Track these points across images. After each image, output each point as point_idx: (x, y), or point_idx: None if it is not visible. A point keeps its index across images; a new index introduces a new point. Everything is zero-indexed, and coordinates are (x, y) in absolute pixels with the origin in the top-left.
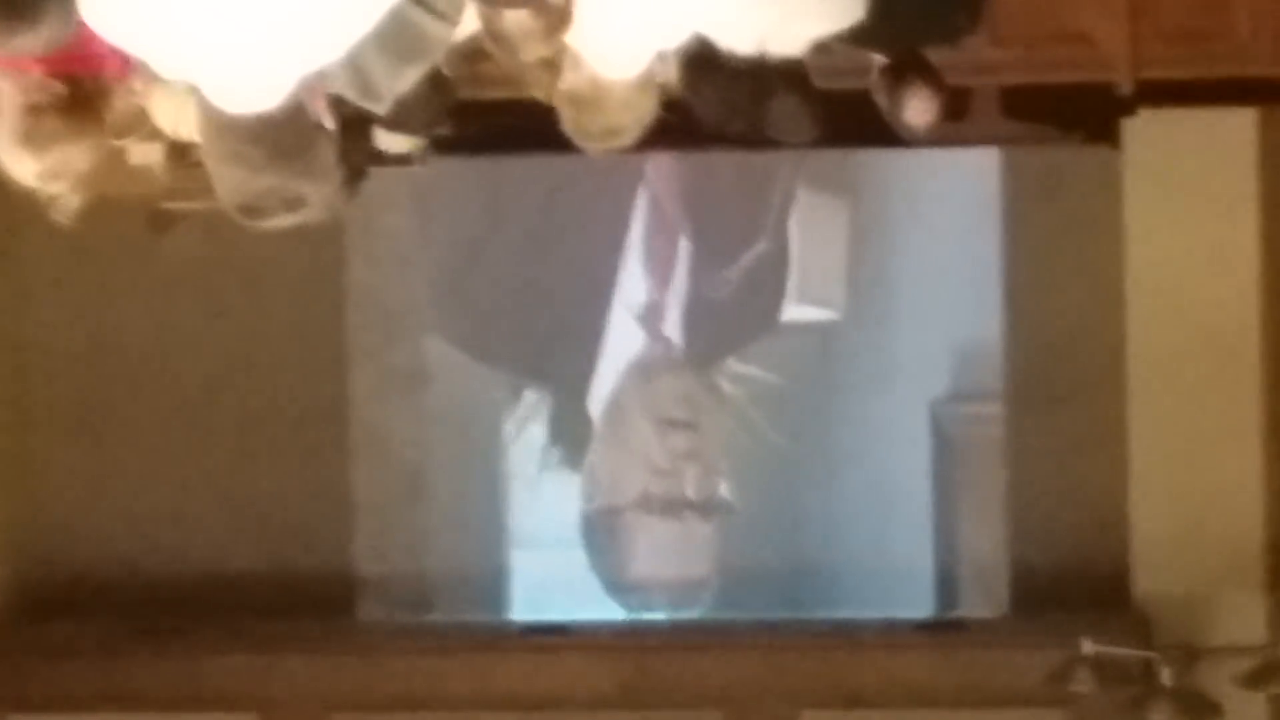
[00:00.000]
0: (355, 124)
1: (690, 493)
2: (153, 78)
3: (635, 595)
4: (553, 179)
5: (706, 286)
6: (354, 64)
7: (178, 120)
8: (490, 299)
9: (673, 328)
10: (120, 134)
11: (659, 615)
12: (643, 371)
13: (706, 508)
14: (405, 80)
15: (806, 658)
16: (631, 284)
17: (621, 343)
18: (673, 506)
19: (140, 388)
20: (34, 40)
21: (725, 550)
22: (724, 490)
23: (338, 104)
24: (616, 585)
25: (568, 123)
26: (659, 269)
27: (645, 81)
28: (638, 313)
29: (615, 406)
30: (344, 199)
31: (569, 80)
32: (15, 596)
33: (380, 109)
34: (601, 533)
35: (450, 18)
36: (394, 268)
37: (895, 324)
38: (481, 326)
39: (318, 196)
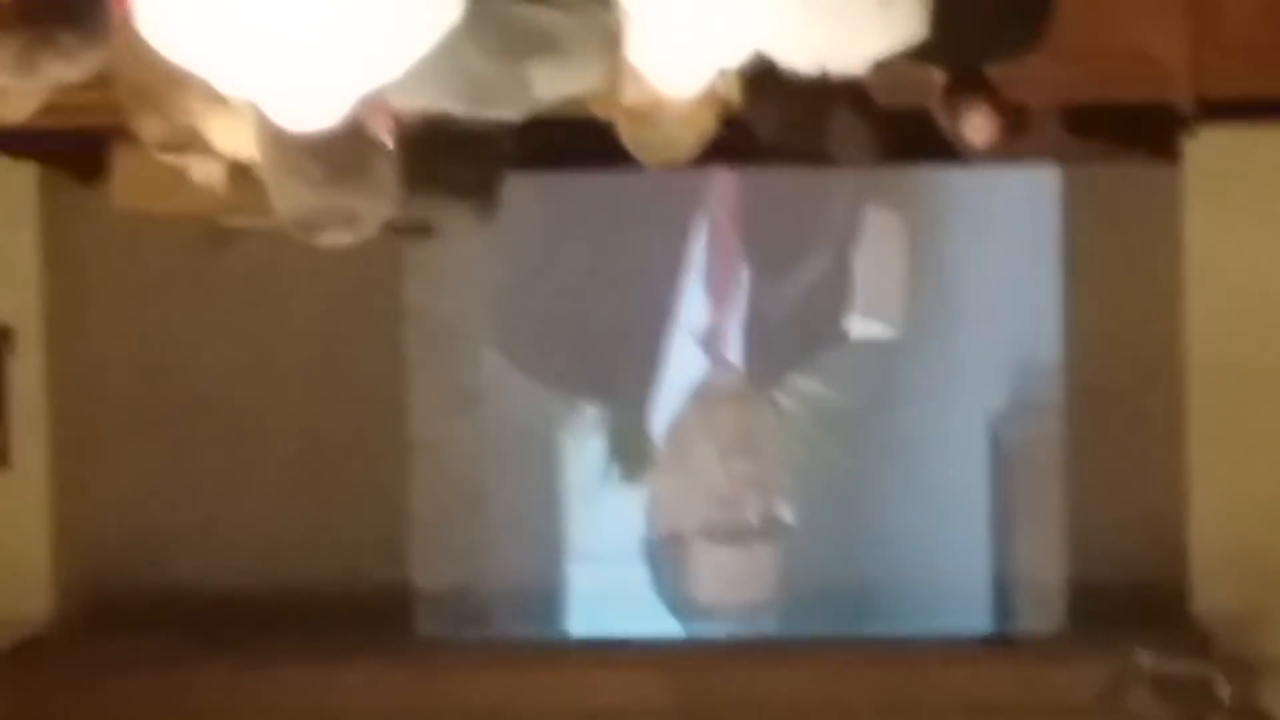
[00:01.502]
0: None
1: (753, 519)
2: (210, 97)
3: (700, 619)
4: (614, 196)
5: (767, 304)
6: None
7: (235, 140)
8: (550, 317)
9: (734, 349)
10: (170, 151)
11: (718, 630)
12: (705, 399)
13: (768, 532)
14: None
15: (864, 673)
16: (692, 307)
17: (683, 362)
18: (737, 534)
19: (200, 402)
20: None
21: (784, 567)
22: (785, 512)
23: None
24: (681, 609)
25: (627, 137)
26: (719, 292)
27: (705, 98)
28: (699, 337)
29: (678, 433)
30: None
31: (630, 95)
32: (76, 609)
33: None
34: (666, 559)
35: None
36: (452, 284)
37: (954, 340)
38: (541, 345)
39: (375, 214)
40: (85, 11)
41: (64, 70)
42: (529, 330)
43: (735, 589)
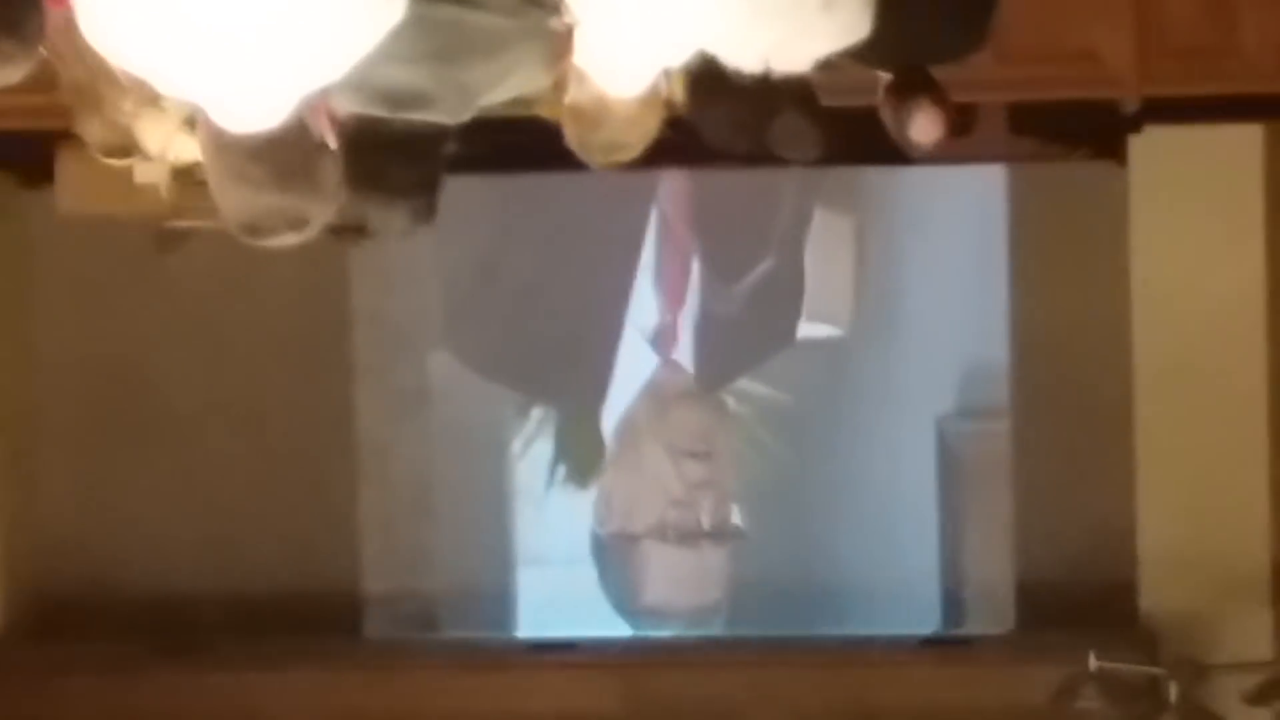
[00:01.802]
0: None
1: (706, 523)
2: (143, 100)
3: (647, 620)
4: (563, 197)
5: (716, 304)
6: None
7: (165, 143)
8: (501, 317)
9: (684, 351)
10: (113, 154)
11: (666, 632)
12: (657, 398)
13: (720, 535)
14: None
15: (813, 674)
16: (643, 306)
17: (635, 362)
18: (688, 536)
19: (146, 405)
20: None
21: (733, 569)
22: (736, 517)
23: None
24: (628, 609)
25: (572, 138)
26: (671, 290)
27: (650, 98)
28: (650, 336)
29: (629, 431)
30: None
31: (573, 96)
32: (18, 614)
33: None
34: (615, 557)
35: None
36: (401, 286)
37: (902, 341)
38: (492, 345)
39: (320, 215)
40: (19, 17)
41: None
42: (481, 331)
43: (683, 591)
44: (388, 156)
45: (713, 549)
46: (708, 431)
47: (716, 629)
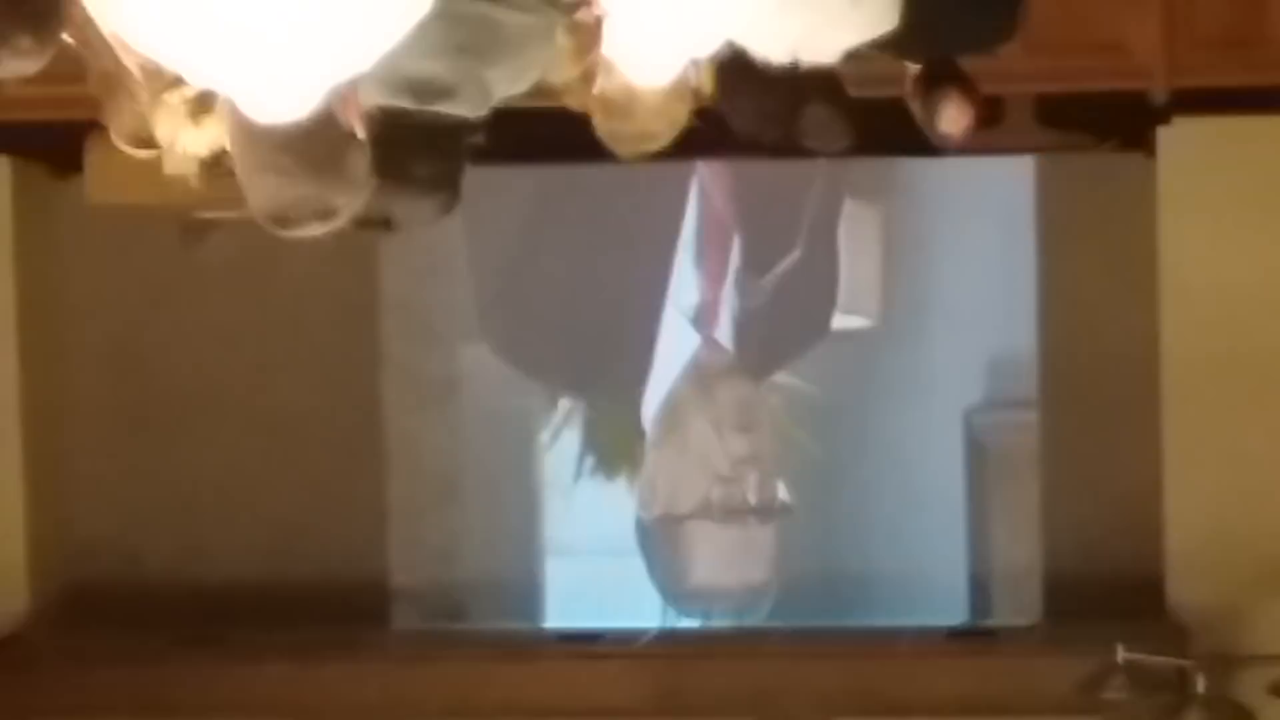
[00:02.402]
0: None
1: (752, 498)
2: (158, 91)
3: (697, 603)
4: (596, 187)
5: (745, 295)
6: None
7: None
8: (534, 309)
9: (724, 332)
10: (141, 145)
11: (694, 623)
12: (700, 376)
13: (766, 512)
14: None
15: (840, 665)
16: (684, 283)
17: (674, 350)
18: (735, 512)
19: (175, 397)
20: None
21: (780, 550)
22: (781, 492)
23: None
24: (677, 594)
25: (600, 128)
26: (713, 267)
27: (678, 88)
28: (691, 314)
29: (672, 412)
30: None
31: (601, 86)
32: (46, 605)
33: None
34: (661, 541)
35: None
36: (428, 276)
37: (930, 332)
38: (526, 337)
39: (348, 205)
40: (41, 10)
41: (18, 69)
42: (514, 323)
43: (735, 570)
44: (413, 151)
45: (759, 526)
46: (751, 405)
47: (759, 614)
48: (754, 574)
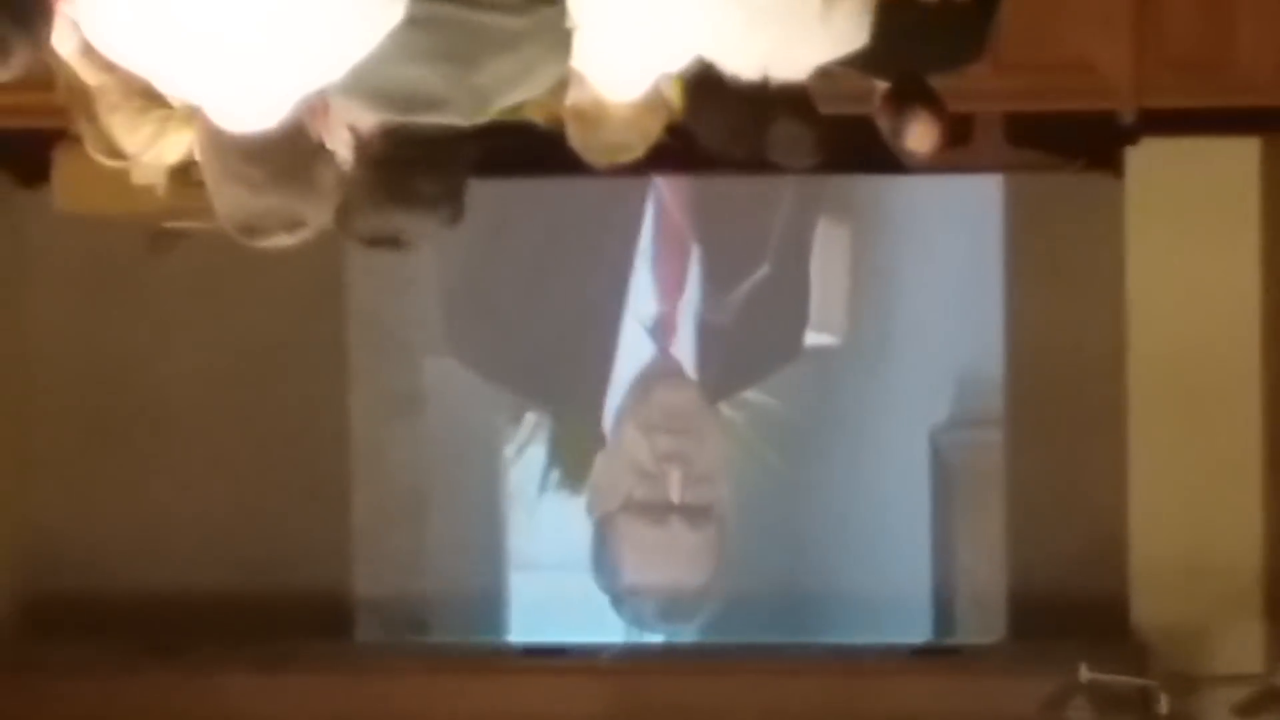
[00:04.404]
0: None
1: (674, 496)
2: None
3: (630, 605)
4: (559, 201)
5: (711, 312)
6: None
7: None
8: (498, 322)
9: (683, 349)
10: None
11: (657, 637)
12: (643, 384)
13: (694, 514)
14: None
15: (804, 682)
16: (642, 296)
17: (633, 362)
18: (656, 510)
19: (141, 406)
20: (5, 71)
21: (725, 556)
22: (717, 499)
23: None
24: (613, 595)
25: (573, 138)
26: (669, 282)
27: (651, 101)
28: (648, 325)
29: (616, 419)
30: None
31: (573, 97)
32: (8, 613)
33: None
34: (598, 543)
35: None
36: (395, 288)
37: (896, 351)
38: (490, 349)
39: (316, 217)
40: (30, 11)
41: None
42: (478, 335)
43: (658, 571)
44: (415, 170)
45: (685, 528)
46: (684, 410)
47: (704, 630)
48: (681, 577)
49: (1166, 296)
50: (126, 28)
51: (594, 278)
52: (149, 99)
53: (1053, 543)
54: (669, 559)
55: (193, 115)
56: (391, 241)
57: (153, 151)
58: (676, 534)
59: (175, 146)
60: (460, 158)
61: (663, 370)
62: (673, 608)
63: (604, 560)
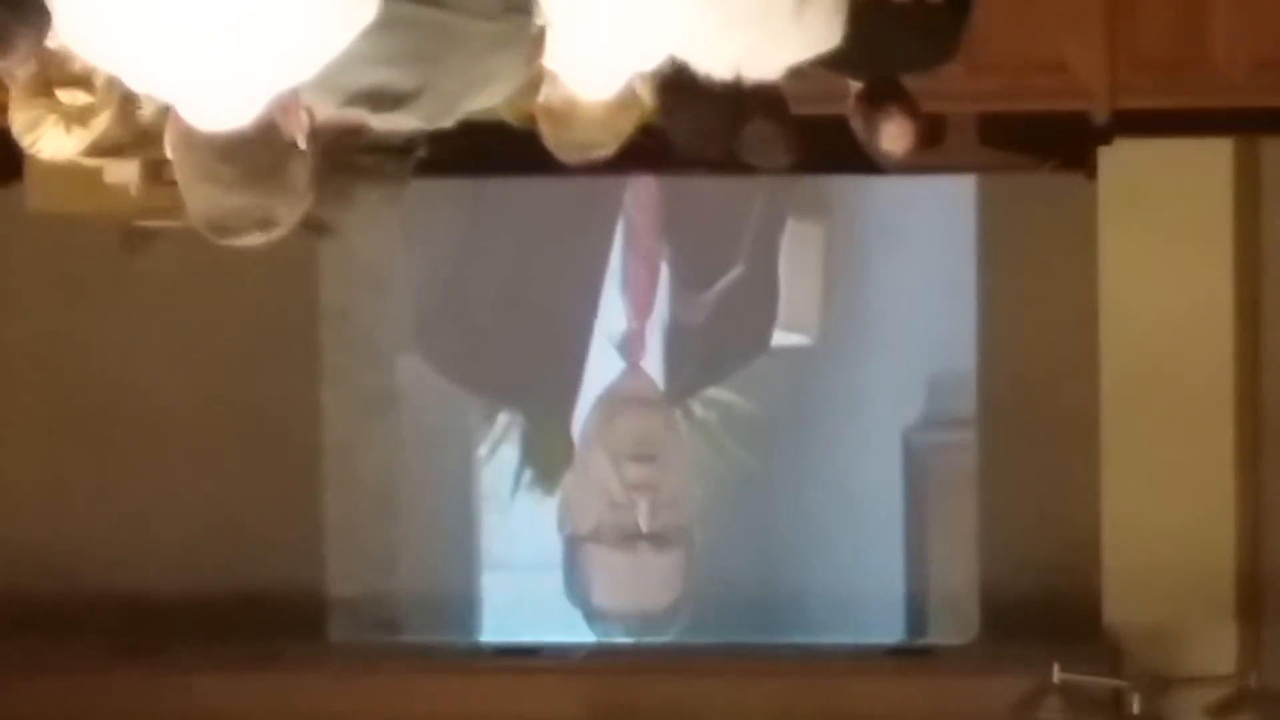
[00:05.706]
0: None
1: (643, 525)
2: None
3: (601, 624)
4: (532, 201)
5: (684, 311)
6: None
7: (34, 133)
8: (470, 321)
9: (652, 360)
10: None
11: (629, 639)
12: (608, 404)
13: (662, 540)
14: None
15: (777, 683)
16: (611, 313)
17: (607, 368)
18: (625, 538)
19: (112, 405)
20: (10, 60)
21: (694, 575)
22: (685, 521)
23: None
24: (585, 612)
25: (545, 136)
26: (638, 298)
27: (624, 100)
28: (617, 344)
29: (583, 438)
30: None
31: (545, 95)
32: None
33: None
34: (570, 560)
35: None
36: (368, 289)
37: (869, 350)
38: (461, 349)
39: (288, 215)
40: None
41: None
42: (450, 335)
43: (627, 596)
44: (357, 177)
45: (652, 553)
46: (651, 436)
47: (671, 636)
48: (649, 601)
49: (1139, 297)
50: (99, 24)
51: (566, 278)
52: (46, 88)
53: (1025, 543)
54: (637, 584)
55: (81, 117)
56: (319, 227)
57: (29, 138)
58: (645, 560)
59: (52, 142)
60: (403, 168)
61: (631, 389)
62: (641, 628)
63: (574, 579)
